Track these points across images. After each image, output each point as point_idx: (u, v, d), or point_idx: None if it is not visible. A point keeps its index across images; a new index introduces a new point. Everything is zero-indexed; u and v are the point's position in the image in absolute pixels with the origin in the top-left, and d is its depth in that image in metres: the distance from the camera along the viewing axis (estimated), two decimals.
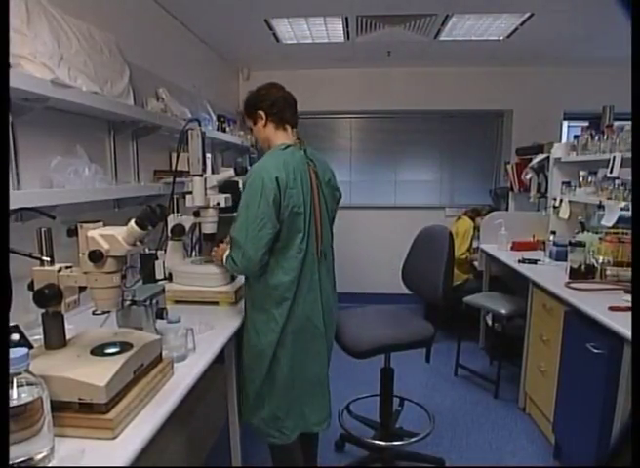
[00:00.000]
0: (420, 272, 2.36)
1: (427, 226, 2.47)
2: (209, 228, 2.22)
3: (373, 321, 2.34)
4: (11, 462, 0.88)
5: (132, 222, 1.15)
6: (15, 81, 1.46)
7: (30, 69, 1.60)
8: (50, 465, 0.93)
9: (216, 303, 2.02)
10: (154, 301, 1.58)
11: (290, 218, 1.71)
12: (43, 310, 1.15)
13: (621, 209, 2.53)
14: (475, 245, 3.95)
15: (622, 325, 1.82)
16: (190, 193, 2.17)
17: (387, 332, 2.20)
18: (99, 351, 1.16)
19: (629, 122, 2.47)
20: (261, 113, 1.83)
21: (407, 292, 2.50)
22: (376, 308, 2.52)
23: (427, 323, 2.30)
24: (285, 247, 1.74)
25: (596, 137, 2.99)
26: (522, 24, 3.39)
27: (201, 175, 2.15)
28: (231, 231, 1.73)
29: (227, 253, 1.79)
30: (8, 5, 1.24)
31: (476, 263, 3.91)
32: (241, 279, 2.17)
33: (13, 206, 1.43)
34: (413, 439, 2.48)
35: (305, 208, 1.75)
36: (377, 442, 2.46)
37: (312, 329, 1.83)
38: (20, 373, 0.89)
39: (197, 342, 1.55)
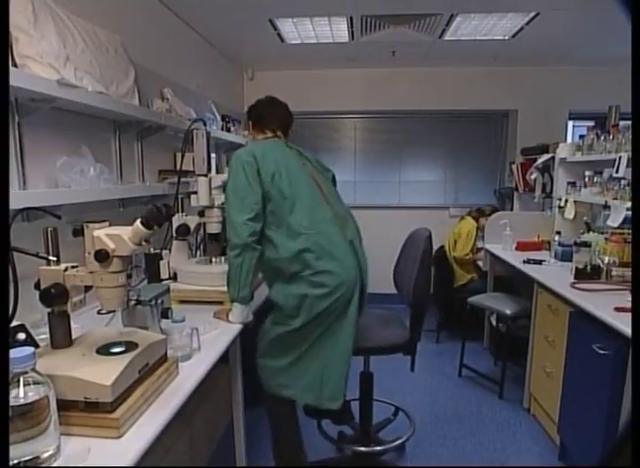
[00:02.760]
0: (400, 275, 2.34)
1: (414, 229, 2.45)
2: (214, 228, 2.23)
3: None
4: (17, 460, 0.89)
5: (137, 222, 1.16)
6: (21, 81, 1.47)
7: (37, 70, 1.61)
8: (56, 464, 0.93)
9: (220, 303, 2.02)
10: (159, 301, 1.58)
11: (275, 185, 1.82)
12: (49, 309, 1.16)
13: (627, 209, 2.52)
14: (479, 245, 3.94)
15: (628, 326, 1.81)
16: (195, 193, 2.18)
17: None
18: (104, 350, 1.16)
19: None
20: (250, 123, 2.12)
21: None
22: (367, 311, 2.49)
23: (405, 330, 2.21)
24: (281, 216, 1.82)
25: (602, 137, 2.98)
26: (527, 24, 3.38)
27: (206, 175, 2.16)
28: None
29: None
30: (8, 5, 1.25)
31: (480, 263, 3.90)
32: None
33: (19, 205, 1.43)
34: (392, 444, 2.43)
35: (291, 175, 1.87)
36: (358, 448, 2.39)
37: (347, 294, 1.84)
38: (26, 372, 0.90)
39: (202, 342, 1.55)
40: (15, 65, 1.59)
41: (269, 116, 2.07)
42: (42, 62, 1.63)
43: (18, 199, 1.49)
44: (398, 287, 2.40)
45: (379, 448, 2.41)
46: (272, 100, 2.11)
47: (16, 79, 1.45)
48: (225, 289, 2.03)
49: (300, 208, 1.83)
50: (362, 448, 2.37)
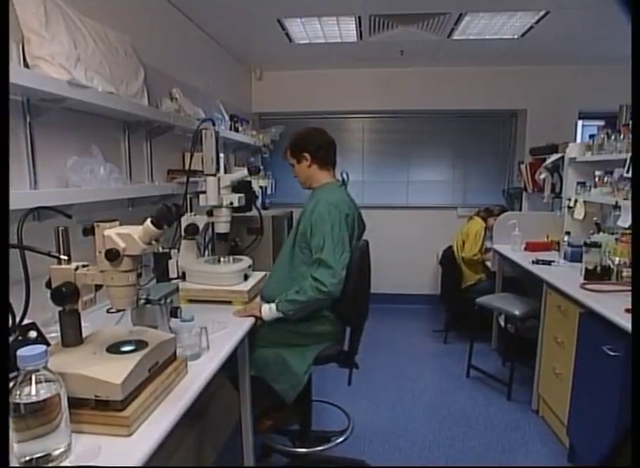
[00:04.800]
0: None
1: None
2: (222, 227, 2.24)
3: None
4: (29, 457, 0.90)
5: (148, 221, 1.16)
6: (33, 82, 1.49)
7: (48, 70, 1.62)
8: (67, 461, 0.94)
9: (229, 302, 2.03)
10: (168, 300, 1.59)
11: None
12: (60, 308, 1.16)
13: None
14: (488, 245, 3.92)
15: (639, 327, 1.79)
16: (204, 193, 2.19)
17: None
18: (114, 349, 1.17)
19: None
20: (307, 155, 2.05)
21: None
22: None
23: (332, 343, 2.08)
24: None
25: (612, 137, 2.95)
26: (537, 23, 3.35)
27: (214, 175, 2.17)
28: (319, 254, 1.86)
29: (297, 288, 1.87)
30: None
31: (489, 263, 3.88)
32: (255, 279, 2.17)
33: (30, 205, 1.44)
34: (331, 444, 2.37)
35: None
36: (298, 450, 2.33)
37: None
38: (38, 370, 0.90)
39: (210, 341, 1.56)
40: (26, 66, 1.61)
41: (328, 151, 2.10)
42: (53, 63, 1.64)
43: (29, 198, 1.51)
44: None
45: (307, 449, 2.31)
46: (322, 131, 2.13)
47: (27, 79, 1.46)
48: (234, 288, 2.04)
49: None
50: (296, 449, 2.32)
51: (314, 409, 2.43)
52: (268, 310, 1.90)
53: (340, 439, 2.41)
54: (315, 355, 1.98)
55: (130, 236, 1.15)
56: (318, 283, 1.82)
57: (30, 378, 0.89)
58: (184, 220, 2.19)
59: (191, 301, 2.04)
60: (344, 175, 2.12)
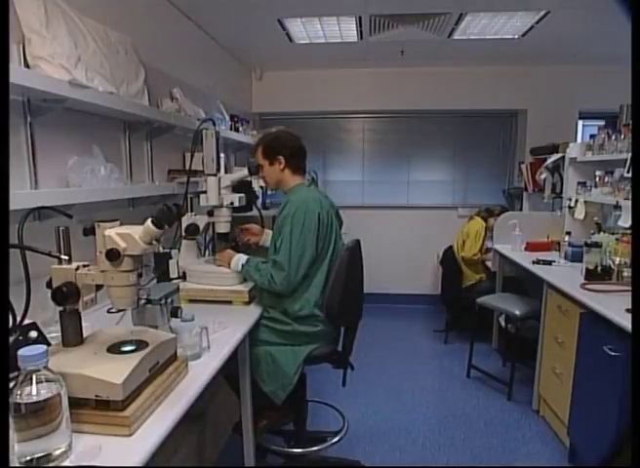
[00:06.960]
0: None
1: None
2: (223, 227, 2.24)
3: None
4: (30, 457, 0.90)
5: (148, 221, 1.16)
6: (33, 82, 1.49)
7: (49, 70, 1.62)
8: (67, 461, 0.94)
9: (229, 302, 2.03)
10: (169, 300, 1.59)
11: (320, 253, 1.98)
12: (61, 308, 1.16)
13: None
14: (488, 245, 3.92)
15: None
16: (204, 193, 2.19)
17: None
18: (115, 349, 1.17)
19: None
20: (281, 158, 2.05)
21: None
22: None
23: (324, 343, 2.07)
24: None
25: (613, 137, 2.95)
26: (537, 23, 3.35)
27: (215, 175, 2.16)
28: (275, 255, 1.91)
29: (260, 267, 1.96)
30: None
31: (489, 263, 3.88)
32: None
33: (31, 205, 1.44)
34: (326, 444, 2.36)
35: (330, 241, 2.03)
36: (293, 450, 2.31)
37: None
38: (39, 370, 0.90)
39: (211, 341, 1.56)
40: (27, 66, 1.61)
41: (301, 157, 2.10)
42: (54, 63, 1.65)
43: (29, 198, 1.51)
44: None
45: (302, 449, 2.30)
46: (292, 133, 2.14)
47: (28, 80, 1.47)
48: (234, 288, 2.05)
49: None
50: (291, 450, 2.31)
51: (310, 409, 2.43)
52: (237, 261, 2.03)
53: (335, 439, 2.41)
54: (306, 355, 1.98)
55: (130, 236, 1.15)
56: (272, 280, 1.90)
57: (31, 378, 0.89)
58: (185, 220, 2.19)
59: (192, 301, 2.04)
60: (313, 175, 2.13)
